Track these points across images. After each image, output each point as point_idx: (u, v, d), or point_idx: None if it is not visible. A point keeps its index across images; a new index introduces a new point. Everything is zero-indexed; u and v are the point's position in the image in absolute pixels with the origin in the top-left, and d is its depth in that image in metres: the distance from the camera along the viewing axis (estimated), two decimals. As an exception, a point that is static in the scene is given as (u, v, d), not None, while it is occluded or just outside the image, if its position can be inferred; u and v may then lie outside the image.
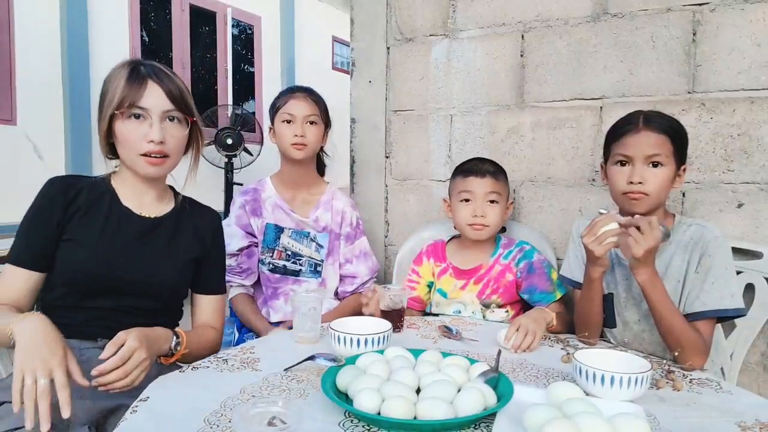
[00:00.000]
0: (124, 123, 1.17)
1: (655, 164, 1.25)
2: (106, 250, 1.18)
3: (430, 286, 1.66)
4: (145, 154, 1.17)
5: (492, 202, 1.53)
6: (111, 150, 1.23)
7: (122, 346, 0.97)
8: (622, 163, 1.29)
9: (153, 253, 1.24)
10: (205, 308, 1.35)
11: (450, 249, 1.65)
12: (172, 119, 1.20)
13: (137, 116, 1.17)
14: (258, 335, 1.67)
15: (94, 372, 0.94)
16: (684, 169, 1.30)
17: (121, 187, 1.26)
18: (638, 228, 1.14)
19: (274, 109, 1.76)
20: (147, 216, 1.26)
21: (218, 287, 1.38)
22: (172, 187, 1.34)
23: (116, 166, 1.28)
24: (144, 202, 1.26)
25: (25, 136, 4.40)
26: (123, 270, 1.18)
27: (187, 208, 1.33)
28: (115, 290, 1.19)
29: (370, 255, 1.86)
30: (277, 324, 1.73)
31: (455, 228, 1.63)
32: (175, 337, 1.14)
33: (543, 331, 1.25)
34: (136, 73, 1.18)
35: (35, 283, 1.18)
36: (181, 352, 1.14)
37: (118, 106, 1.15)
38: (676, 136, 1.27)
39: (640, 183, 1.24)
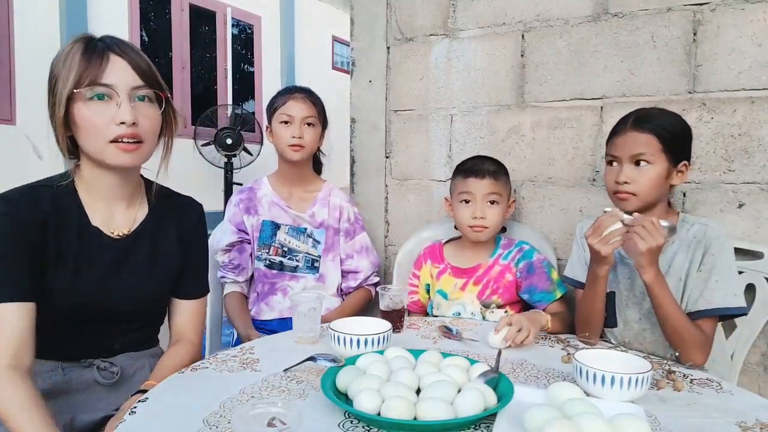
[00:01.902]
0: (86, 105, 0.98)
1: (641, 162, 1.25)
2: (84, 284, 1.05)
3: (427, 288, 1.66)
4: (115, 140, 0.99)
5: (492, 202, 1.53)
6: (71, 146, 1.04)
7: None
8: (613, 163, 1.31)
9: (132, 279, 1.10)
10: (184, 315, 1.21)
11: (448, 250, 1.65)
12: (142, 98, 1.02)
13: (101, 96, 0.98)
14: (241, 337, 1.66)
15: None
16: (685, 165, 1.29)
17: (87, 196, 1.08)
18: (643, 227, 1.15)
19: (272, 108, 1.76)
20: (119, 235, 1.10)
21: (200, 290, 1.24)
22: (143, 176, 1.16)
23: (77, 164, 1.09)
24: (114, 215, 1.10)
25: (25, 136, 4.40)
26: (103, 301, 1.08)
27: (163, 205, 1.17)
28: (95, 320, 1.09)
29: (371, 250, 1.87)
30: (271, 321, 1.74)
31: (456, 228, 1.63)
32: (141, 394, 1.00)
33: (537, 330, 1.25)
34: (92, 47, 0.99)
35: (30, 316, 0.97)
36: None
37: (76, 85, 0.96)
38: (666, 134, 1.25)
39: (625, 183, 1.26)
